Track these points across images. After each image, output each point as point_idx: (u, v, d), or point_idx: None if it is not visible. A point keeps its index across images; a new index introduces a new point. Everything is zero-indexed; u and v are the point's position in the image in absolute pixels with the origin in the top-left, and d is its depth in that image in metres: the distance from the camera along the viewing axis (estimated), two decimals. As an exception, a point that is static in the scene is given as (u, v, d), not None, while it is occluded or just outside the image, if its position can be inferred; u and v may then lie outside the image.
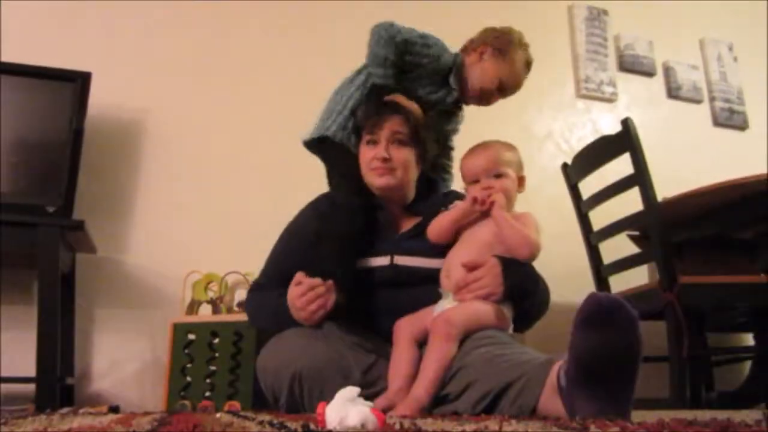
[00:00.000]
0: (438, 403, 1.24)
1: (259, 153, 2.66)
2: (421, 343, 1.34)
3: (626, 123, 2.06)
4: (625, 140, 2.07)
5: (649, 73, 3.53)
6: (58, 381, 1.93)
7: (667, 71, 3.57)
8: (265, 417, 1.02)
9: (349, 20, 2.79)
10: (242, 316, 2.15)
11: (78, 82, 2.19)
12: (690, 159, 3.28)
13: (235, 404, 1.98)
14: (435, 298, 1.42)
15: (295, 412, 1.32)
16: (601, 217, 2.35)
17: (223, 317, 2.18)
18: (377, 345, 1.42)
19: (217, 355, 2.09)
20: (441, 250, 1.48)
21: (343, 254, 1.48)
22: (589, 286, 2.37)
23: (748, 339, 2.82)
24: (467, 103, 1.75)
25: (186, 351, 2.10)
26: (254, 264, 2.26)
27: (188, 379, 2.09)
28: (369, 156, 1.53)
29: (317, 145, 1.65)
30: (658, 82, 3.56)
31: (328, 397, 0.80)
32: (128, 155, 2.53)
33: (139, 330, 2.36)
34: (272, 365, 1.35)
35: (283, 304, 1.41)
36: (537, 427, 0.77)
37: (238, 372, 2.06)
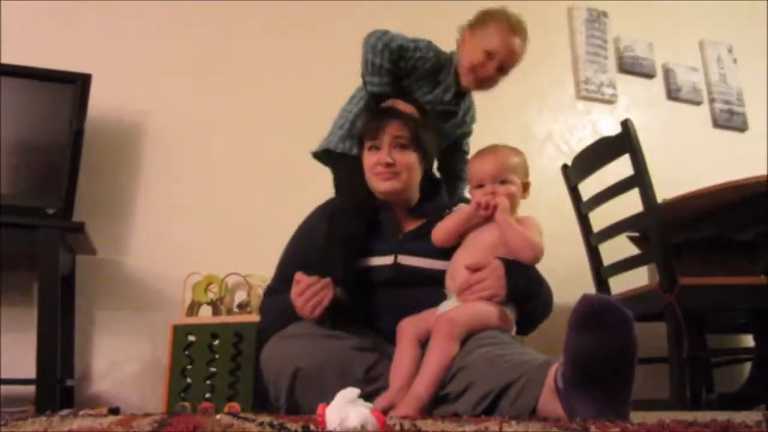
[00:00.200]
0: (438, 402, 1.25)
1: (259, 154, 2.67)
2: (424, 344, 1.34)
3: (626, 124, 2.07)
4: (624, 141, 2.07)
5: (649, 75, 3.53)
6: (58, 382, 1.93)
7: (667, 73, 3.57)
8: (265, 418, 1.02)
9: (350, 20, 2.80)
10: (242, 318, 2.16)
11: (78, 84, 2.19)
12: (690, 160, 3.28)
13: (235, 406, 1.98)
14: (437, 299, 1.43)
15: (295, 409, 1.33)
16: (601, 218, 2.35)
17: (223, 319, 2.18)
18: (379, 344, 1.43)
19: (217, 356, 2.09)
20: (444, 251, 1.49)
21: (346, 254, 1.49)
22: (589, 288, 2.37)
23: (748, 340, 2.81)
24: (470, 88, 1.73)
25: (186, 352, 2.10)
26: (254, 265, 2.28)
27: (188, 380, 2.08)
28: (372, 161, 1.55)
29: (324, 157, 1.73)
30: (657, 84, 3.56)
31: (328, 397, 0.80)
32: (128, 157, 2.53)
33: (139, 331, 2.36)
34: (274, 363, 1.37)
35: (290, 304, 1.43)
36: (537, 428, 0.77)
37: (238, 374, 2.06)
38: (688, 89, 3.58)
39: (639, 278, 2.51)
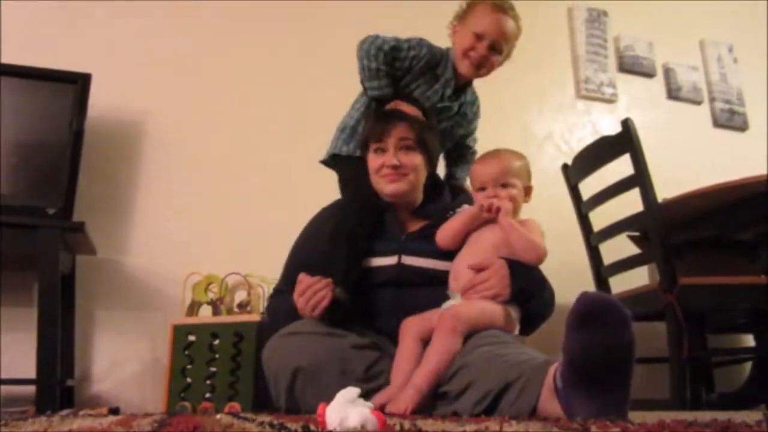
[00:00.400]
0: (438, 401, 1.25)
1: (259, 154, 2.67)
2: (426, 343, 1.35)
3: (626, 124, 2.06)
4: (625, 141, 2.07)
5: (649, 74, 3.53)
6: (58, 383, 1.93)
7: (667, 72, 3.57)
8: (266, 418, 1.01)
9: (350, 21, 2.79)
10: (242, 318, 2.16)
11: (78, 84, 2.19)
12: (690, 160, 3.28)
13: (236, 405, 1.98)
14: (440, 299, 1.44)
15: (295, 408, 1.34)
16: (601, 217, 2.35)
17: (224, 318, 2.18)
18: (380, 343, 1.43)
19: (217, 356, 2.09)
20: (447, 252, 1.50)
21: (348, 255, 1.50)
22: (589, 287, 2.36)
23: (749, 340, 2.81)
24: (469, 75, 1.74)
25: (186, 352, 2.10)
26: (254, 265, 2.28)
27: (188, 380, 2.08)
28: (377, 163, 1.56)
29: (331, 163, 1.77)
30: (658, 83, 3.56)
31: (328, 396, 0.80)
32: (128, 157, 2.53)
33: (140, 331, 2.36)
34: (274, 362, 1.38)
35: (295, 305, 1.44)
36: (537, 428, 0.77)
37: (238, 373, 2.06)
38: (688, 89, 3.57)
39: (639, 278, 2.51)
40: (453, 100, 1.76)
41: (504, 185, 1.47)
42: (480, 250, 1.45)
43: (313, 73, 2.81)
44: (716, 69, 3.67)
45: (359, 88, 1.76)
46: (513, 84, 3.05)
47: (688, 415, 1.00)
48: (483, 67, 1.71)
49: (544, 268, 1.48)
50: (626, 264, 2.27)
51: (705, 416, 1.01)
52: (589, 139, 2.77)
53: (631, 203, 2.13)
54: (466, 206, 1.57)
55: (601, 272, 2.38)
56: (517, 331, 1.42)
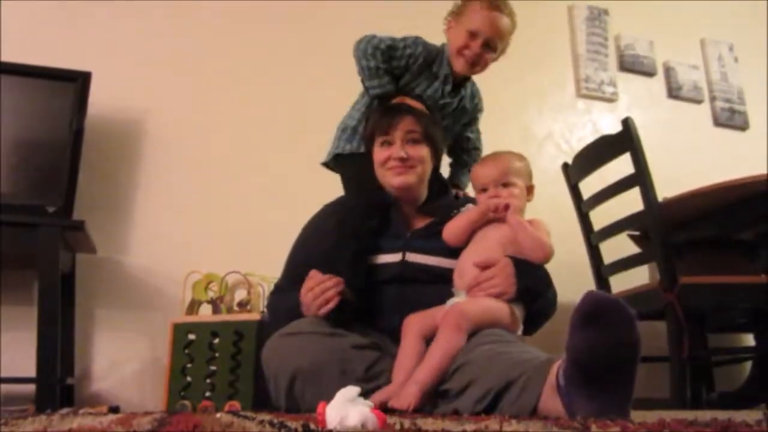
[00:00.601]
0: (439, 398, 1.25)
1: (258, 153, 2.67)
2: (429, 341, 1.34)
3: (627, 123, 2.06)
4: (625, 140, 2.07)
5: (650, 73, 3.53)
6: (58, 381, 1.93)
7: (668, 71, 3.57)
8: (266, 417, 1.01)
9: (350, 21, 2.79)
10: (242, 316, 2.16)
11: (78, 82, 2.19)
12: (690, 159, 3.28)
13: (236, 404, 1.98)
14: (444, 297, 1.44)
15: (295, 407, 1.33)
16: (601, 217, 2.35)
17: (224, 317, 2.18)
18: (381, 343, 1.43)
19: (217, 355, 2.09)
20: (452, 249, 1.50)
21: (355, 254, 1.50)
22: (589, 286, 2.36)
23: (749, 339, 2.81)
24: (463, 72, 1.75)
25: (186, 351, 2.10)
26: (254, 264, 2.27)
27: (188, 379, 2.08)
28: (384, 156, 1.56)
29: (333, 164, 1.78)
30: (658, 82, 3.56)
31: (328, 395, 0.80)
32: (128, 155, 2.53)
33: (140, 330, 2.36)
34: (274, 361, 1.37)
35: (297, 301, 1.44)
36: (537, 427, 0.76)
37: (238, 372, 2.05)
38: (689, 88, 3.57)
39: (639, 277, 2.51)
40: (452, 96, 1.77)
41: (505, 185, 1.48)
42: (486, 247, 1.45)
43: (313, 73, 2.81)
44: (717, 68, 3.67)
45: (359, 88, 1.76)
46: (513, 83, 3.05)
47: (689, 414, 0.99)
48: (477, 65, 1.73)
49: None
50: (626, 263, 2.27)
51: (705, 415, 1.00)
52: (590, 138, 2.77)
53: (631, 202, 2.12)
54: (470, 205, 1.57)
55: (602, 271, 2.38)
56: (520, 331, 1.42)
